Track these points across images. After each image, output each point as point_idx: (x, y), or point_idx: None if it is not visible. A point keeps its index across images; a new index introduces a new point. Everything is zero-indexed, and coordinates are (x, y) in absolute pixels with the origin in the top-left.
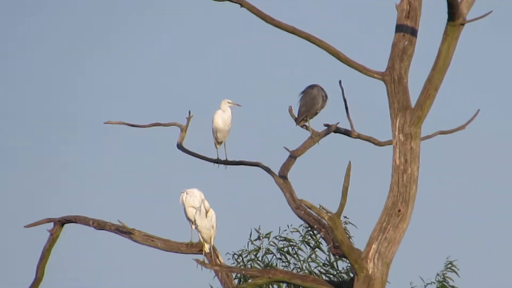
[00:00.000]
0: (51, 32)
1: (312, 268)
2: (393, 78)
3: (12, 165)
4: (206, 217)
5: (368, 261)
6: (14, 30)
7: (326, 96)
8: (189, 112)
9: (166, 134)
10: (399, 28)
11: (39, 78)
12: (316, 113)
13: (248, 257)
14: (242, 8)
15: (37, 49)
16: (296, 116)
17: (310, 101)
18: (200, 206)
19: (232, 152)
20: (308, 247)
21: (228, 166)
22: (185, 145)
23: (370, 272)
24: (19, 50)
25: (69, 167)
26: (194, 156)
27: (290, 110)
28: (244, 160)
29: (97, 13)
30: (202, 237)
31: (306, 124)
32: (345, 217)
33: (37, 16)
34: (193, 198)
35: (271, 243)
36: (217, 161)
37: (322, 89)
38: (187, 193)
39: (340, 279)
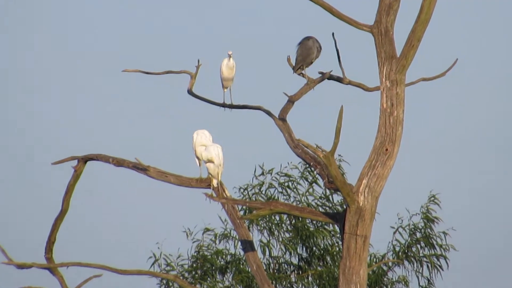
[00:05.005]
0: None
1: (310, 201)
2: (380, 30)
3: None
4: (213, 160)
5: (359, 194)
6: None
7: (320, 47)
8: (198, 61)
9: (178, 81)
10: None
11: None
12: (312, 62)
13: (253, 191)
14: None
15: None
16: (294, 64)
17: (306, 51)
18: (209, 151)
19: (237, 97)
20: (306, 182)
21: (233, 109)
22: (194, 90)
23: (361, 204)
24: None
25: (92, 110)
26: (203, 100)
27: (288, 59)
28: (248, 104)
29: None
30: (210, 173)
31: (303, 72)
32: (339, 155)
33: None
34: (203, 137)
35: (273, 178)
36: (223, 105)
37: (317, 40)
38: (197, 134)
39: (334, 211)
